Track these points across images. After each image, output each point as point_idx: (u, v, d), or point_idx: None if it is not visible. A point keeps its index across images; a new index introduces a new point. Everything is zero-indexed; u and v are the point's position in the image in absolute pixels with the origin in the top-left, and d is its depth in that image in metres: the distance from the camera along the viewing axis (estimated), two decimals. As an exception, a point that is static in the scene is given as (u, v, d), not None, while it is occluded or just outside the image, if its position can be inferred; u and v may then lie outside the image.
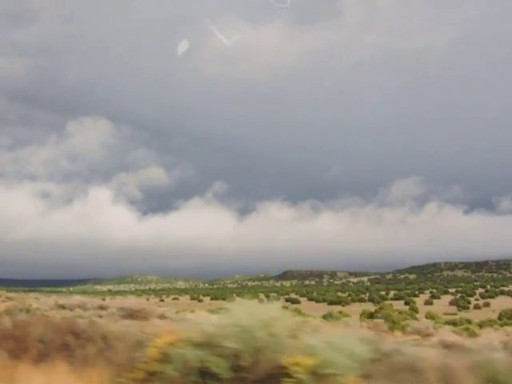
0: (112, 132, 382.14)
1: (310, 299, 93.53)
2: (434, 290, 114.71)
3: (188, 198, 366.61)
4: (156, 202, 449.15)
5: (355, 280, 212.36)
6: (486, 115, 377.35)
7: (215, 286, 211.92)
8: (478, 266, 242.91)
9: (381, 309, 51.05)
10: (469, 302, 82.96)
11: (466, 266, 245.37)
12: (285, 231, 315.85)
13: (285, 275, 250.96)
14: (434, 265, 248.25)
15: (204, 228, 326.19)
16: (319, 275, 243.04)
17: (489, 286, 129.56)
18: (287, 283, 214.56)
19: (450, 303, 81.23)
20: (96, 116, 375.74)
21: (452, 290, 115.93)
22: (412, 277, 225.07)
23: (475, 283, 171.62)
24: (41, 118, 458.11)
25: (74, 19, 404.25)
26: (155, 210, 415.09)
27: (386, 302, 74.33)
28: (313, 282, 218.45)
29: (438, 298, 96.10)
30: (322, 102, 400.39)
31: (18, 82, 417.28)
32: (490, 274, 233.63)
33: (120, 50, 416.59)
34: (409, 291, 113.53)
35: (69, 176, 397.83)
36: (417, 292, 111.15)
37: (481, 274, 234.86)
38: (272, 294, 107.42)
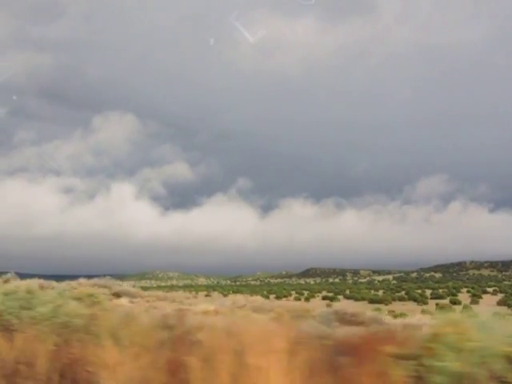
0: (138, 127, 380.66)
1: (347, 297, 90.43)
2: (471, 289, 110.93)
3: (211, 194, 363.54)
4: (179, 198, 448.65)
5: (380, 278, 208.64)
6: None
7: (237, 283, 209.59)
8: (504, 265, 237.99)
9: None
10: (516, 302, 79.31)
11: (491, 265, 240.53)
12: (307, 228, 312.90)
13: (307, 273, 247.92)
14: (460, 264, 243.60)
15: (226, 224, 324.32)
16: (342, 273, 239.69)
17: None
18: (310, 281, 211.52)
19: (499, 303, 77.69)
20: (122, 111, 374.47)
21: (490, 290, 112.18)
22: (438, 275, 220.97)
23: (505, 282, 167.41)
24: (66, 113, 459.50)
25: (99, 15, 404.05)
26: (178, 206, 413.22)
27: (432, 301, 71.12)
28: (337, 280, 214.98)
29: (480, 297, 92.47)
30: (352, 98, 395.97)
31: (43, 77, 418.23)
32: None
33: (148, 45, 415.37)
34: (446, 290, 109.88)
35: (93, 171, 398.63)
36: (454, 291, 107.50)
37: (508, 273, 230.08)
38: (306, 292, 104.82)
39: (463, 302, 79.95)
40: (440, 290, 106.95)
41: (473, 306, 72.23)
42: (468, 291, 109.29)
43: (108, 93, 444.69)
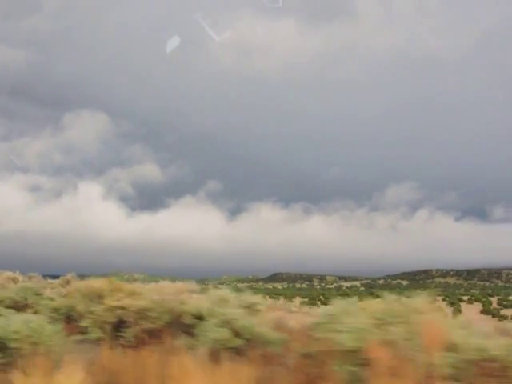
0: (109, 126, 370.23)
1: (324, 303, 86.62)
2: (446, 298, 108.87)
3: (180, 196, 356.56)
4: (147, 199, 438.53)
5: (348, 284, 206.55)
6: (490, 121, 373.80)
7: (203, 287, 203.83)
8: (469, 274, 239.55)
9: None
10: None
11: (457, 273, 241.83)
12: (275, 233, 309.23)
13: (274, 277, 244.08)
14: (426, 271, 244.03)
15: (193, 227, 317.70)
16: (309, 278, 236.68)
17: (501, 295, 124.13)
18: (278, 285, 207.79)
19: (482, 312, 75.36)
20: (93, 109, 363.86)
21: (464, 298, 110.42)
22: (404, 283, 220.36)
23: (472, 291, 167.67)
24: (36, 110, 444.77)
25: (71, 12, 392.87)
26: (145, 208, 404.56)
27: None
28: (304, 285, 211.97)
29: (459, 305, 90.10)
30: (321, 112, 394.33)
31: (12, 73, 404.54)
32: (482, 283, 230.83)
33: (121, 45, 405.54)
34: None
35: (61, 169, 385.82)
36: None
37: (473, 281, 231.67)
38: (280, 297, 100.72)
39: (444, 311, 76.95)
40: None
41: (458, 315, 69.16)
42: (443, 299, 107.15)
43: (79, 91, 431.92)
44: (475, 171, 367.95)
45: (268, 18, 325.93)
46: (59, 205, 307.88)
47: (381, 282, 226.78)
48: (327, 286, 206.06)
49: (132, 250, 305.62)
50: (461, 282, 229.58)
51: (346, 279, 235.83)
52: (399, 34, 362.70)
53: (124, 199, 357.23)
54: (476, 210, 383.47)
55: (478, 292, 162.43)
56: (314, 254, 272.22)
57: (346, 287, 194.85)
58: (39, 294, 11.02)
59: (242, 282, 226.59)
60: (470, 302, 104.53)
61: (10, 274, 26.15)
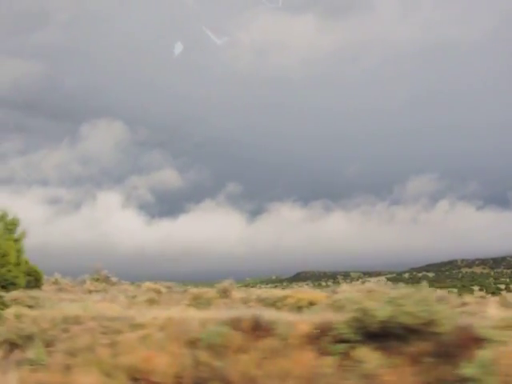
0: (126, 134, 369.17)
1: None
2: (484, 288, 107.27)
3: (200, 200, 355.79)
4: (167, 205, 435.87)
5: (374, 280, 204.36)
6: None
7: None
8: (495, 262, 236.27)
9: None
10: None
11: (483, 262, 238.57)
12: (296, 232, 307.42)
13: (298, 277, 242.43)
14: (451, 262, 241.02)
15: (213, 231, 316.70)
16: (333, 276, 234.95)
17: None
18: (303, 285, 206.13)
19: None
20: (110, 118, 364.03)
21: (501, 287, 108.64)
22: (430, 275, 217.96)
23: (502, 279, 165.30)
24: (53, 122, 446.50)
25: (80, 23, 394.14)
26: (165, 214, 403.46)
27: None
28: (329, 283, 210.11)
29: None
30: (339, 108, 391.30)
31: (26, 86, 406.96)
32: (508, 270, 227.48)
33: (133, 52, 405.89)
34: (455, 289, 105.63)
35: (79, 180, 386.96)
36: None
37: (499, 270, 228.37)
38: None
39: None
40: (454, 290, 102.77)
41: None
42: (480, 289, 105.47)
43: (94, 101, 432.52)
44: (495, 159, 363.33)
45: (284, 14, 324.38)
46: (79, 216, 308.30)
47: (406, 275, 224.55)
48: (353, 283, 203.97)
49: (152, 257, 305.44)
50: (487, 270, 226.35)
51: (370, 275, 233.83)
52: (417, 25, 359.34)
53: (143, 206, 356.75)
54: (497, 198, 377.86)
55: (508, 280, 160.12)
56: (336, 251, 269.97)
57: (373, 283, 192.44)
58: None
59: (267, 284, 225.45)
60: (509, 290, 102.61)
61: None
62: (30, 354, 9.53)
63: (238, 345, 7.76)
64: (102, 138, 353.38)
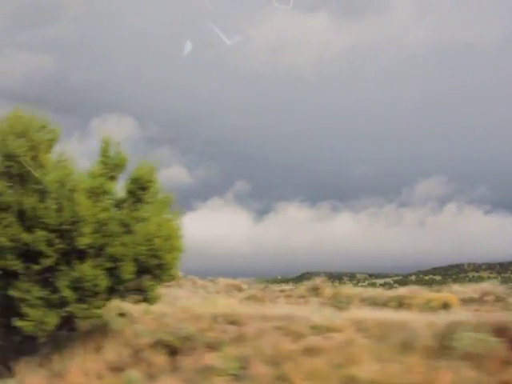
0: (136, 130, 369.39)
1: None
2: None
3: (207, 198, 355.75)
4: (175, 202, 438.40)
5: (381, 281, 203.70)
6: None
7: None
8: (502, 267, 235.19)
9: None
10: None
11: (490, 266, 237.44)
12: (302, 232, 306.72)
13: (303, 277, 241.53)
14: (458, 266, 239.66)
15: (220, 229, 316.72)
16: (339, 277, 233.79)
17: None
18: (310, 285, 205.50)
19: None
20: (120, 113, 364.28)
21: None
22: (437, 278, 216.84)
23: None
24: (61, 118, 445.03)
25: (90, 19, 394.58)
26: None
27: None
28: (336, 284, 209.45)
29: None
30: (350, 107, 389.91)
31: (38, 81, 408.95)
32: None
33: (143, 49, 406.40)
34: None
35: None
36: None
37: (506, 275, 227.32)
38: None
39: None
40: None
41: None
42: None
43: (104, 96, 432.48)
44: (506, 163, 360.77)
45: (299, 13, 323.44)
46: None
47: (413, 277, 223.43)
48: (359, 284, 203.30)
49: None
50: (494, 275, 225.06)
51: (376, 276, 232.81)
52: (432, 26, 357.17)
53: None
54: (506, 203, 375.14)
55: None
56: (342, 253, 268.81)
57: (381, 284, 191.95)
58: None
59: (272, 283, 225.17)
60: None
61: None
62: (216, 361, 8.10)
63: (503, 356, 6.81)
64: (112, 133, 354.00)
